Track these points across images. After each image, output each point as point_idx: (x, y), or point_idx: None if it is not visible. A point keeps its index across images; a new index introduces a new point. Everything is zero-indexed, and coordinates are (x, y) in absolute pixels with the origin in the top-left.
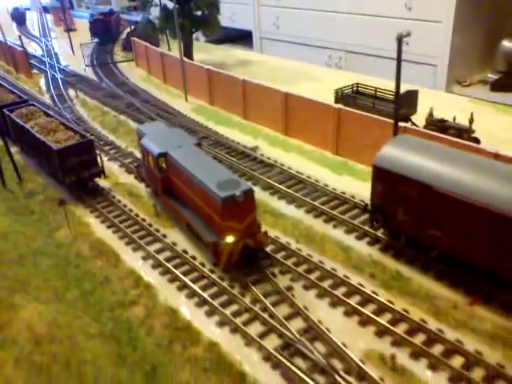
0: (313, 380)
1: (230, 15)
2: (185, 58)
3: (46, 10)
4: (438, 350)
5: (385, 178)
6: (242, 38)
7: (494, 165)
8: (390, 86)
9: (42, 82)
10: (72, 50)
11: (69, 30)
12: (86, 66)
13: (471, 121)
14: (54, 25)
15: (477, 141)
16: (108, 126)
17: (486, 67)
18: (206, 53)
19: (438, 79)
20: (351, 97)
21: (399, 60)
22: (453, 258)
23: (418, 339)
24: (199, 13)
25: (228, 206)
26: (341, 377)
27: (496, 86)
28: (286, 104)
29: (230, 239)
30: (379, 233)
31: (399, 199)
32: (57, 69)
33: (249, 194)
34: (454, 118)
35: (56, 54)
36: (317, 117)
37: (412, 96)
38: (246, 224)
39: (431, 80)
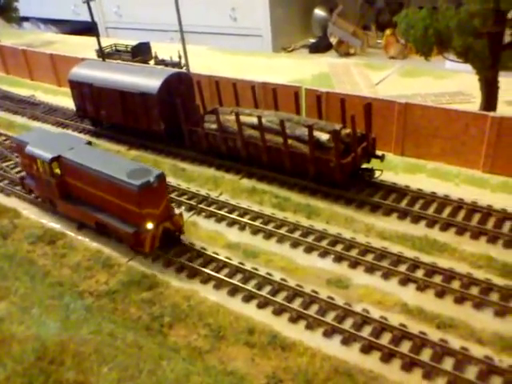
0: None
1: (73, 8)
2: None
3: None
4: None
5: (75, 86)
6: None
7: (131, 69)
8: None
9: None
10: None
11: None
12: None
13: (179, 57)
14: None
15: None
16: None
17: (309, 34)
18: (17, 38)
19: (264, 48)
20: (108, 53)
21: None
22: (118, 125)
23: None
24: None
25: (144, 193)
26: None
27: (312, 49)
28: (52, 62)
29: (149, 226)
30: (86, 124)
31: (85, 97)
32: None
33: (161, 178)
34: (171, 57)
35: None
36: None
37: (145, 47)
38: (161, 209)
39: (260, 49)
